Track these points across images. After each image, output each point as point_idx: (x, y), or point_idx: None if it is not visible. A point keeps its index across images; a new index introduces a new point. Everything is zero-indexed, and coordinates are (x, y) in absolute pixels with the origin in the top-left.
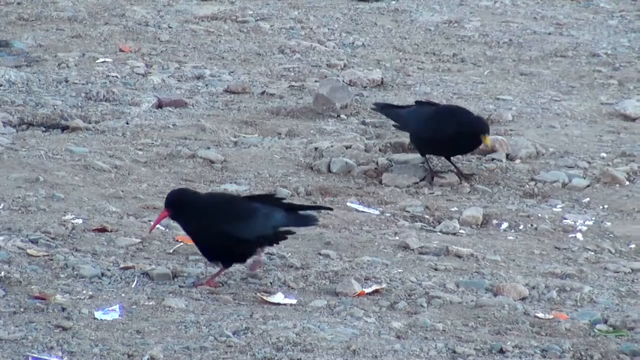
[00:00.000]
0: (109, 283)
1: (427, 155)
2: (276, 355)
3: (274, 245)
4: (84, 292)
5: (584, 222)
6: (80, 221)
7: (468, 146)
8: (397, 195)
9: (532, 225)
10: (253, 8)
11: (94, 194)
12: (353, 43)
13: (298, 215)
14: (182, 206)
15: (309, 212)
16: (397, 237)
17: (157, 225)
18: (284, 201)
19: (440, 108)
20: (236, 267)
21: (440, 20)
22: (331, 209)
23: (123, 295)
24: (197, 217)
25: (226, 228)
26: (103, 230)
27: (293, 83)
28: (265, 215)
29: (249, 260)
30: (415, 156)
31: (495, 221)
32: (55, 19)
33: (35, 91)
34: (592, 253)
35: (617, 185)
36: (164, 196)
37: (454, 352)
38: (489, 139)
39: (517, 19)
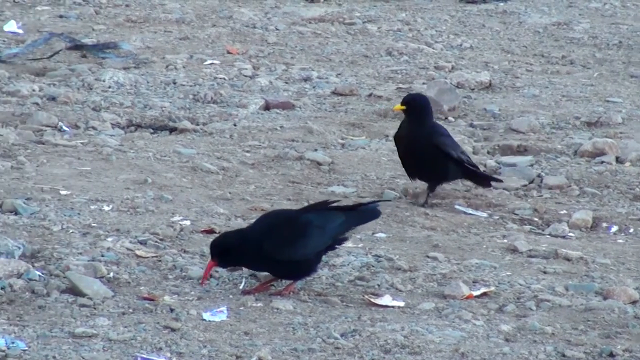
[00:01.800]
0: (217, 284)
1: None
2: (384, 358)
3: (336, 249)
4: (192, 293)
5: None
6: (188, 222)
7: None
8: (505, 198)
9: None
10: (360, 10)
11: (202, 196)
12: (461, 45)
13: (359, 214)
14: (227, 253)
15: (370, 206)
16: (505, 240)
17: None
18: (340, 205)
19: None
20: (343, 270)
21: (549, 22)
22: (389, 200)
23: (231, 296)
24: (247, 257)
25: (278, 257)
26: (211, 231)
27: (400, 85)
28: (319, 228)
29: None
30: (525, 159)
31: (604, 224)
32: (163, 21)
33: (143, 93)
34: None
35: None
36: (271, 198)
37: (564, 355)
38: (396, 107)
39: (627, 20)
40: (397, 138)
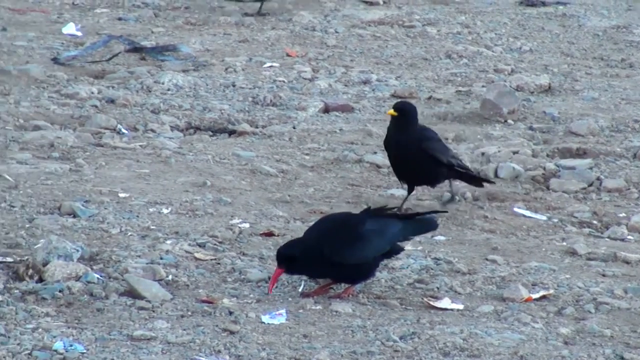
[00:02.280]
0: (276, 287)
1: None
2: None
3: (392, 257)
4: (251, 296)
5: None
6: (247, 225)
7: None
8: (564, 201)
9: None
10: (420, 13)
11: (261, 198)
12: (520, 48)
13: (416, 223)
14: (293, 260)
15: (427, 216)
16: (564, 243)
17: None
18: (398, 212)
19: None
20: (402, 272)
21: (608, 25)
22: (446, 212)
23: (290, 299)
24: (310, 264)
25: (340, 260)
26: (270, 234)
27: (460, 88)
28: (379, 233)
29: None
30: (584, 161)
31: None
32: (222, 23)
33: (202, 95)
34: None
35: None
36: (330, 201)
37: (622, 358)
38: (389, 111)
39: None
40: (387, 144)
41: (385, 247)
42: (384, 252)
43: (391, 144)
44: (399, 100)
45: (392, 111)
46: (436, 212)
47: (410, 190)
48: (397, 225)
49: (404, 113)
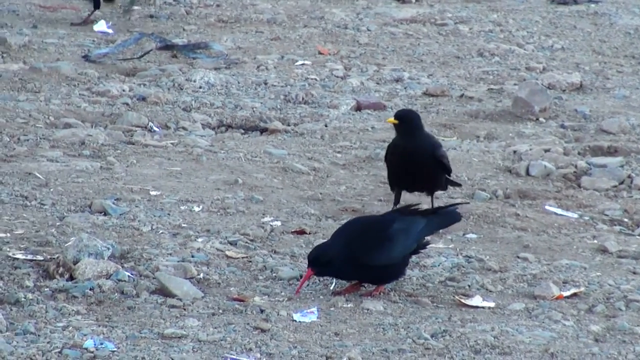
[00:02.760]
0: (307, 285)
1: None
2: (474, 358)
3: (420, 252)
4: (283, 294)
5: None
6: (278, 223)
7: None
8: (595, 199)
9: None
10: (452, 11)
11: (293, 196)
12: (552, 46)
13: (440, 217)
14: (323, 263)
15: (449, 209)
16: (595, 241)
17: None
18: (420, 209)
19: None
20: (434, 270)
21: None
22: (467, 203)
23: (321, 297)
24: (342, 267)
25: (371, 262)
26: (302, 232)
27: (492, 86)
28: (404, 232)
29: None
30: (615, 159)
31: None
32: (254, 21)
33: (234, 93)
34: None
35: None
36: (362, 199)
37: None
38: (389, 119)
39: None
40: (391, 151)
41: (412, 245)
42: (412, 251)
43: (396, 152)
44: (400, 108)
45: (391, 119)
46: (458, 204)
47: (397, 201)
48: (421, 222)
49: (405, 120)
